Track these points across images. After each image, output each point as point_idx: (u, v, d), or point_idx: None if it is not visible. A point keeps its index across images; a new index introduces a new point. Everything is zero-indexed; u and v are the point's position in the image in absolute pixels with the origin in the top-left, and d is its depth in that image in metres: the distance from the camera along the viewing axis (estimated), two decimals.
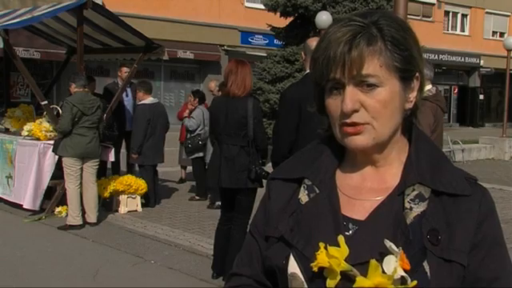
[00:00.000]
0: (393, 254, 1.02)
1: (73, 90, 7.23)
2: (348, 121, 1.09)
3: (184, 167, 10.30)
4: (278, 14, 16.90)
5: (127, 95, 9.37)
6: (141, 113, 8.30)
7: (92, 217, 7.23)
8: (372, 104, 1.08)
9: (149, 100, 8.38)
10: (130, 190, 7.95)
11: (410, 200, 1.10)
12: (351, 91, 1.08)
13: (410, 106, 1.15)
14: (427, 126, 4.58)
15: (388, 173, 1.16)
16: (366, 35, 1.08)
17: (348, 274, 1.04)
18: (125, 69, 9.27)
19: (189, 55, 22.47)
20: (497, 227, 1.13)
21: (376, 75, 1.08)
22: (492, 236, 1.11)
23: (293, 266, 1.11)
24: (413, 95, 1.14)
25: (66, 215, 7.27)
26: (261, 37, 24.36)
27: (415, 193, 1.10)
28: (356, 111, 1.09)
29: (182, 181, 10.37)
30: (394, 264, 1.01)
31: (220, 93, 7.91)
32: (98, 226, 7.24)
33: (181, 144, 9.60)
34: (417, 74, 1.14)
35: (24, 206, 7.64)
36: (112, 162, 8.57)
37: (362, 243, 1.07)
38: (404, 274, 1.01)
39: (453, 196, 1.10)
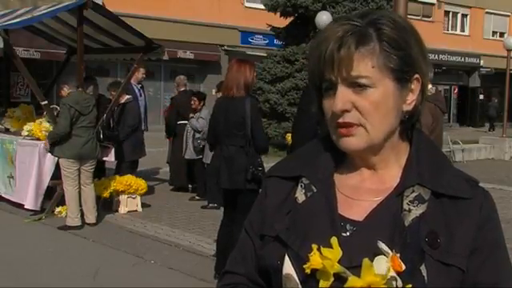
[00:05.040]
0: (384, 255, 1.00)
1: (66, 92, 7.28)
2: (340, 121, 1.08)
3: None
4: (278, 14, 16.91)
5: (141, 95, 9.41)
6: (137, 108, 8.81)
7: (91, 217, 7.23)
8: (364, 105, 1.06)
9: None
10: (130, 190, 7.96)
11: (409, 202, 1.07)
12: (342, 91, 1.07)
13: (408, 108, 1.11)
14: (425, 127, 4.58)
15: (387, 175, 1.13)
16: (357, 34, 1.06)
17: (341, 276, 1.01)
18: (142, 70, 9.34)
19: (189, 55, 22.47)
20: (498, 230, 1.10)
21: (367, 76, 1.05)
22: (493, 239, 1.09)
23: (288, 267, 1.08)
24: (412, 97, 1.11)
25: (66, 215, 7.27)
26: (261, 37, 24.37)
27: (414, 194, 1.08)
28: (347, 111, 1.07)
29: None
30: (385, 264, 0.99)
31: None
32: (98, 226, 7.24)
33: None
34: (416, 76, 1.11)
35: (26, 206, 7.65)
36: (121, 162, 8.60)
37: (359, 245, 1.04)
38: (395, 275, 0.99)
39: (453, 198, 1.07)
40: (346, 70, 1.05)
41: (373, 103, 1.06)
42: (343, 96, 1.06)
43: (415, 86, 1.11)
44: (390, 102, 1.08)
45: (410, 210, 1.07)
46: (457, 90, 33.01)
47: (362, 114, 1.07)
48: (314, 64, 1.10)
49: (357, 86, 1.06)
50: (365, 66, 1.05)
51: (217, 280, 4.55)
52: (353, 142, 1.09)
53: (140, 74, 9.34)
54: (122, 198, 7.98)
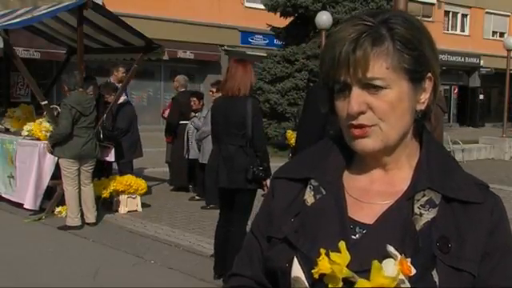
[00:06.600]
0: (393, 258, 0.99)
1: (67, 91, 7.28)
2: (354, 123, 1.07)
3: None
4: (278, 14, 16.91)
5: (125, 94, 9.39)
6: (129, 111, 8.88)
7: (90, 217, 7.23)
8: (379, 106, 1.06)
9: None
10: (130, 190, 7.96)
11: (420, 206, 1.06)
12: (357, 93, 1.06)
13: (421, 107, 1.11)
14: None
15: (397, 176, 1.13)
16: (372, 35, 1.05)
17: (349, 280, 1.00)
18: (122, 69, 9.30)
19: (189, 55, 22.46)
20: (508, 233, 1.10)
21: (382, 78, 1.05)
22: (504, 243, 1.08)
23: (296, 270, 1.07)
24: (425, 96, 1.11)
25: (66, 215, 7.27)
26: (261, 37, 24.36)
27: (425, 198, 1.07)
28: (363, 113, 1.06)
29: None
30: (394, 268, 0.98)
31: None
32: (98, 226, 7.24)
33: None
34: (429, 75, 1.10)
35: (25, 206, 7.65)
36: (122, 162, 8.59)
37: (369, 249, 1.03)
38: (404, 278, 0.98)
39: (464, 203, 1.07)
40: (362, 71, 1.04)
41: (389, 104, 1.06)
42: (358, 97, 1.06)
43: (428, 85, 1.11)
44: (404, 102, 1.08)
45: (421, 215, 1.06)
46: (457, 90, 32.98)
47: (377, 115, 1.06)
48: (327, 65, 1.09)
49: (371, 87, 1.05)
50: (379, 67, 1.05)
51: (216, 281, 4.55)
52: (369, 143, 1.08)
53: (120, 73, 9.27)
54: (122, 197, 7.98)
